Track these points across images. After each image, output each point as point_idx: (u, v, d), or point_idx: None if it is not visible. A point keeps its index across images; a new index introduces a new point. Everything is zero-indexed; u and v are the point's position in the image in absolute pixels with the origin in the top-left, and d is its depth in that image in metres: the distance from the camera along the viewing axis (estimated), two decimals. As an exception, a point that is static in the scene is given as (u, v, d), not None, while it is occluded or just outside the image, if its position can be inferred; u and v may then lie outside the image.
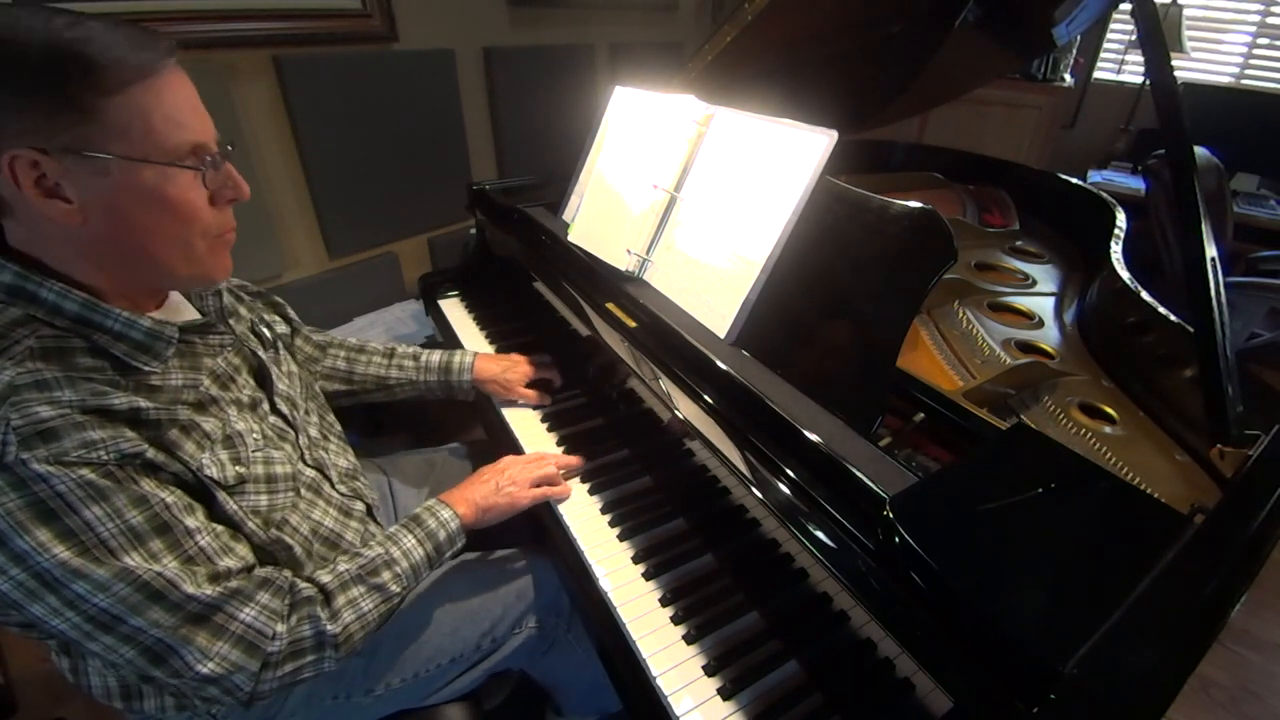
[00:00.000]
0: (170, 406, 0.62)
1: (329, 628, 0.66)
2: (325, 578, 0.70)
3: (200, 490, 0.63)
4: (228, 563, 0.62)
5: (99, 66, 0.52)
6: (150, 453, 0.58)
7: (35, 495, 0.51)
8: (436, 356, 1.13)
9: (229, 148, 0.63)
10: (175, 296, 0.72)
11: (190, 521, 0.60)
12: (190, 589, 0.57)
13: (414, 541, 0.78)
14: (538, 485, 0.91)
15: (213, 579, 0.60)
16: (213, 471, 0.64)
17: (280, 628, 0.64)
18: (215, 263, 0.65)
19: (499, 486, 0.89)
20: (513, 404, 1.13)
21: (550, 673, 0.99)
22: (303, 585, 0.68)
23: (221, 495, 0.64)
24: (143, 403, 0.59)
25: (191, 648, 0.58)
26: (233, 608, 0.61)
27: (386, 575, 0.74)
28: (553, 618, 0.93)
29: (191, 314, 0.73)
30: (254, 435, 0.71)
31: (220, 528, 0.64)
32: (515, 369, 1.14)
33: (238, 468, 0.67)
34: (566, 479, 0.96)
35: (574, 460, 0.98)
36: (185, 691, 0.63)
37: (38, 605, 0.54)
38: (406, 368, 1.11)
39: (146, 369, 0.62)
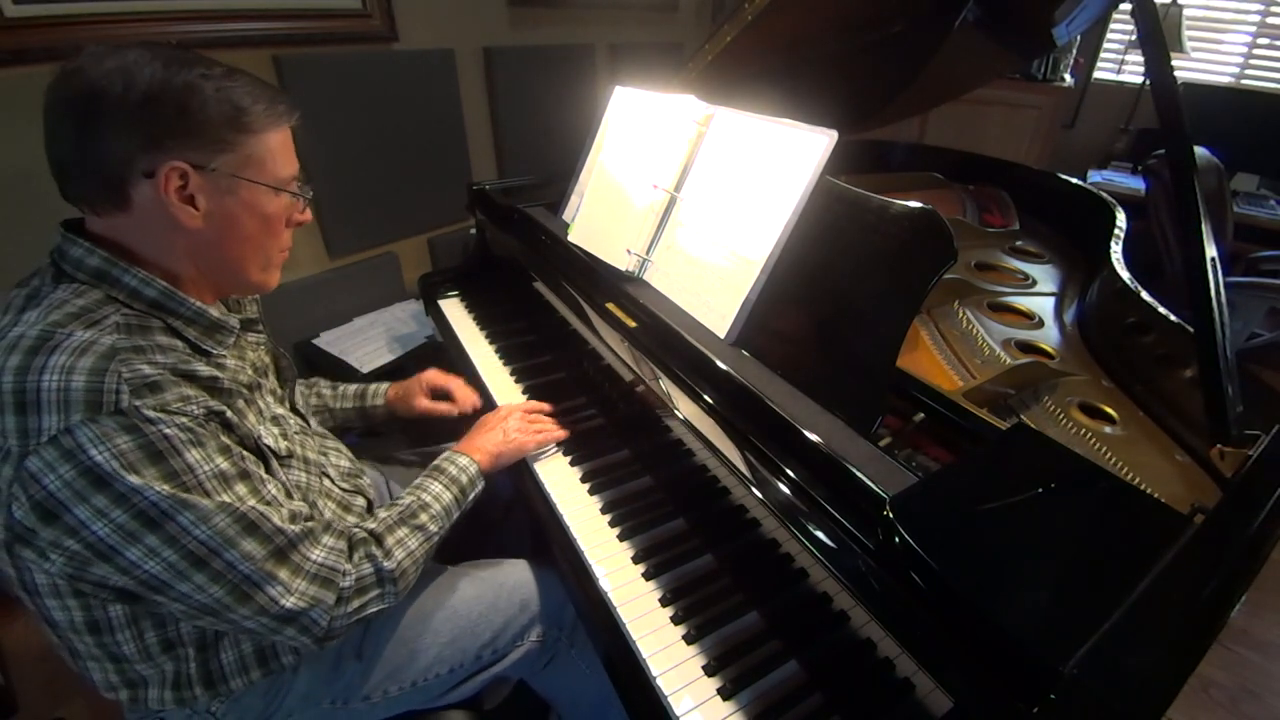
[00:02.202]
0: (234, 382, 0.70)
1: (385, 564, 0.74)
2: (371, 524, 0.78)
3: (260, 458, 0.70)
4: (295, 506, 0.69)
5: (251, 113, 0.65)
6: (228, 414, 0.65)
7: (147, 437, 0.56)
8: (354, 387, 1.14)
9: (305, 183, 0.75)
10: (217, 302, 0.78)
11: (262, 472, 0.68)
12: (278, 522, 0.65)
13: (440, 486, 0.85)
14: (538, 432, 1.00)
15: (291, 518, 0.67)
16: (270, 441, 0.72)
17: (348, 565, 0.71)
18: (273, 275, 0.76)
19: (506, 433, 0.97)
20: (423, 415, 1.13)
21: (551, 686, 0.98)
22: (355, 530, 0.76)
23: (275, 464, 0.72)
24: (217, 373, 0.67)
25: (276, 582, 0.64)
26: (306, 547, 0.67)
27: (424, 517, 0.81)
28: (555, 630, 0.93)
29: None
30: (292, 419, 0.81)
31: (279, 482, 0.71)
32: (414, 381, 1.14)
33: (285, 442, 0.76)
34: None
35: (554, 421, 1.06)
36: (261, 634, 0.67)
37: (135, 548, 0.57)
38: (324, 395, 1.12)
39: (213, 353, 0.70)
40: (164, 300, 0.65)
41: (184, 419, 0.59)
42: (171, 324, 0.66)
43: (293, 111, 0.70)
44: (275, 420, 0.76)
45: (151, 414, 0.56)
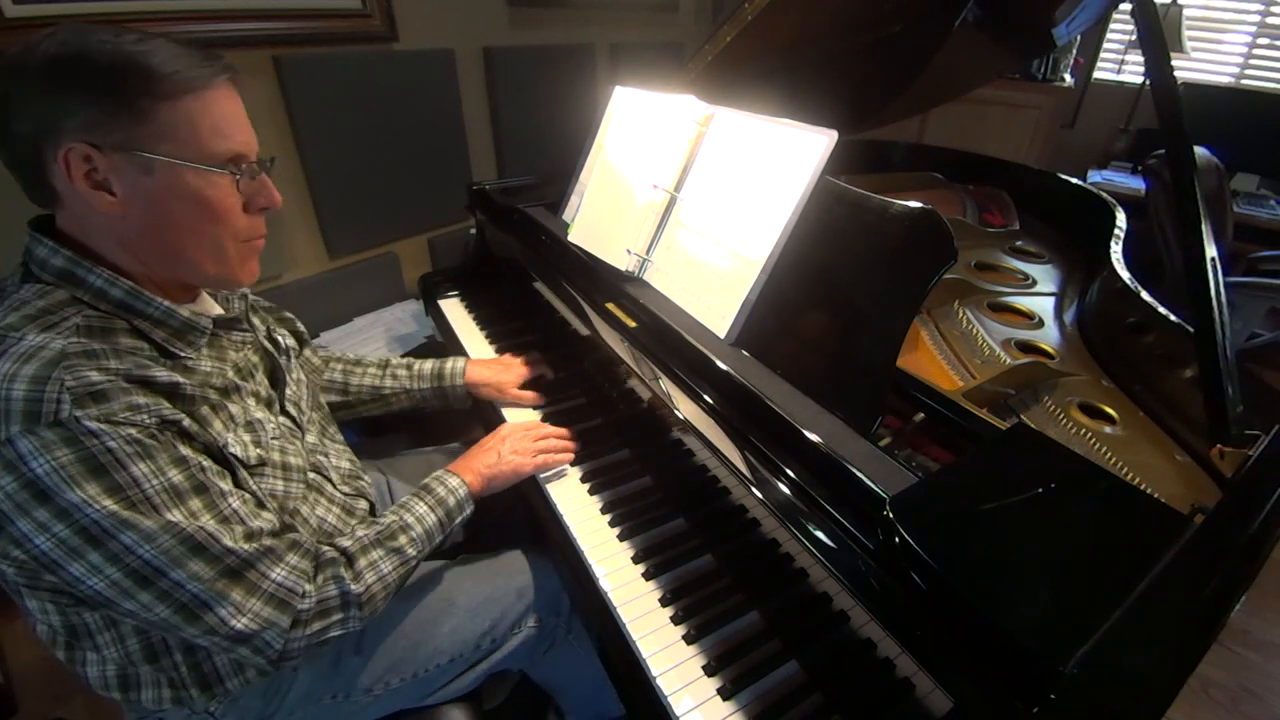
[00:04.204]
0: (202, 387, 0.66)
1: (353, 588, 0.70)
2: (346, 542, 0.74)
3: (225, 467, 0.66)
4: (259, 524, 0.65)
5: (159, 75, 0.58)
6: (186, 422, 0.61)
7: (88, 450, 0.54)
8: (429, 365, 1.13)
9: (270, 161, 0.68)
10: (204, 294, 0.76)
11: (224, 485, 0.64)
12: (229, 543, 0.61)
13: (425, 508, 0.82)
14: (538, 454, 0.95)
15: (248, 537, 0.63)
16: (237, 450, 0.68)
17: (309, 587, 0.67)
18: (242, 267, 0.70)
19: (501, 455, 0.93)
20: (512, 406, 1.13)
21: (550, 674, 0.99)
22: (325, 548, 0.72)
23: (243, 474, 0.68)
24: (180, 378, 0.63)
25: (227, 603, 0.61)
26: (265, 566, 0.64)
27: (403, 539, 0.77)
28: (553, 617, 0.94)
29: (218, 311, 0.77)
30: (271, 424, 0.76)
31: (247, 494, 0.67)
32: (508, 371, 1.15)
33: (258, 450, 0.71)
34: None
35: (565, 431, 1.02)
36: (214, 652, 0.66)
37: (78, 564, 0.55)
38: (400, 377, 1.11)
39: (181, 355, 0.66)
40: (130, 300, 0.62)
41: (131, 429, 0.56)
42: (137, 325, 0.63)
43: (219, 72, 0.61)
44: (250, 426, 0.71)
45: (93, 425, 0.54)
